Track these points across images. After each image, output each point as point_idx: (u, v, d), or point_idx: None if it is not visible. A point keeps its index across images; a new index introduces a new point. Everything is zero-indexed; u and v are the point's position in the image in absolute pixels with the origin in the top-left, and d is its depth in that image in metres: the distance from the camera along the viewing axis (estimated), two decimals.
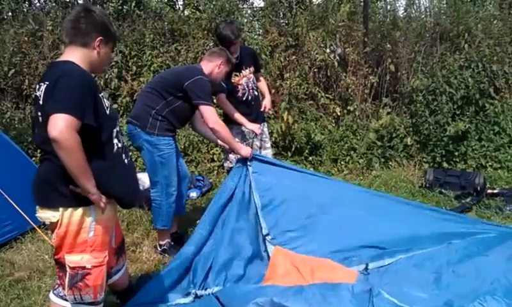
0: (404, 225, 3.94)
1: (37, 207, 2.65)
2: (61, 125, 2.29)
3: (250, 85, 4.87)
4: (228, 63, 4.37)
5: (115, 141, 2.66)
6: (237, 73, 4.79)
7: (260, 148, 5.07)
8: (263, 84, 5.21)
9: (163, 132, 4.14)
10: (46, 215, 2.60)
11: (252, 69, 4.91)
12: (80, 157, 2.38)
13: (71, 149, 2.33)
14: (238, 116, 4.70)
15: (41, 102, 2.48)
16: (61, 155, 2.34)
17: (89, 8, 2.66)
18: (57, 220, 2.56)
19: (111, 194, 2.64)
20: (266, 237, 3.96)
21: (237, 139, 4.75)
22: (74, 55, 2.58)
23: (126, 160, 2.77)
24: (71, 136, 2.31)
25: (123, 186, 2.71)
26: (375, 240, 3.86)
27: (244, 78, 4.84)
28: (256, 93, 4.97)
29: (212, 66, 4.31)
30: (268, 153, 5.11)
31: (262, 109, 5.04)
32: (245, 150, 4.25)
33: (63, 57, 2.62)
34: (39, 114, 2.52)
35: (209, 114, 4.09)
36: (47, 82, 2.47)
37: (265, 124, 5.18)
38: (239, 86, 4.82)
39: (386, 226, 3.94)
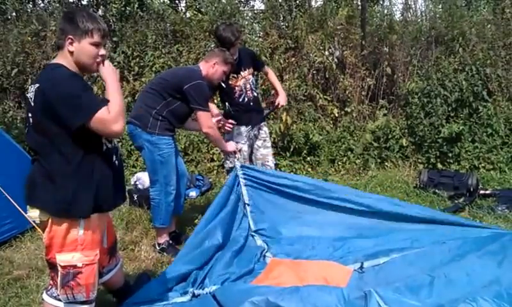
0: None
1: (28, 206, 2.69)
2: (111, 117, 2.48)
3: (248, 86, 4.92)
4: (225, 63, 4.41)
5: (104, 140, 2.70)
6: (235, 75, 4.84)
7: (261, 147, 5.15)
8: (273, 78, 5.28)
9: (163, 132, 4.24)
10: (36, 214, 2.63)
11: (251, 70, 4.96)
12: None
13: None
14: None
15: (32, 104, 2.53)
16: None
17: (67, 11, 2.72)
18: (47, 219, 2.59)
19: (96, 193, 2.67)
20: (266, 254, 4.11)
21: (240, 140, 4.92)
22: (59, 58, 2.65)
23: (117, 162, 2.81)
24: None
25: (109, 186, 2.74)
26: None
27: (242, 80, 4.88)
28: (255, 93, 5.04)
29: (208, 66, 4.40)
30: (269, 152, 5.19)
31: (276, 104, 5.14)
32: (230, 146, 4.55)
33: (54, 60, 2.69)
34: (29, 114, 2.58)
35: (204, 120, 4.25)
36: (38, 84, 2.53)
37: (266, 124, 5.25)
38: (236, 88, 4.87)
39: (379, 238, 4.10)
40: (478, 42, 7.15)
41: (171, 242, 4.54)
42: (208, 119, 4.29)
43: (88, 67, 2.70)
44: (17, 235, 4.73)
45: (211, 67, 4.39)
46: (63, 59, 2.62)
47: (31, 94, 2.55)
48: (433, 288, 2.99)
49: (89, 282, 2.70)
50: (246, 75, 4.91)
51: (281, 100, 5.15)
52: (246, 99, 4.94)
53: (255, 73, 5.20)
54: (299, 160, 6.93)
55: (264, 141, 5.16)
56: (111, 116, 2.47)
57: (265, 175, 4.53)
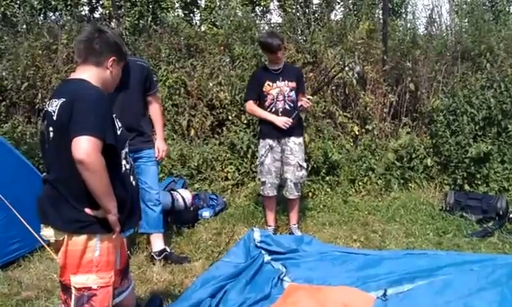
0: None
1: (42, 225, 2.68)
2: (86, 147, 2.33)
3: (281, 97, 4.99)
4: None
5: (123, 162, 2.70)
6: (270, 83, 4.98)
7: (283, 163, 5.11)
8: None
9: None
10: (51, 233, 2.62)
11: (291, 84, 5.01)
12: (105, 178, 2.43)
13: (97, 171, 2.38)
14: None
15: (55, 118, 2.50)
16: (87, 177, 2.38)
17: (101, 29, 2.74)
18: (63, 239, 2.57)
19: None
20: (284, 278, 3.97)
21: (262, 152, 5.09)
22: (87, 74, 2.63)
23: (134, 182, 2.81)
24: (97, 158, 2.37)
25: (126, 207, 2.71)
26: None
27: (276, 89, 4.98)
28: (287, 107, 5.01)
29: None
30: (288, 169, 5.10)
31: (299, 104, 5.06)
32: None
33: (76, 75, 2.66)
34: (50, 129, 2.54)
35: None
36: (63, 99, 2.49)
37: (296, 141, 5.08)
38: (268, 96, 4.99)
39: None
40: (506, 57, 7.11)
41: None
42: None
43: (112, 89, 2.83)
44: (26, 254, 4.66)
45: None
46: (88, 74, 2.63)
47: (53, 108, 2.52)
48: None
49: (103, 305, 2.66)
50: (283, 86, 5.00)
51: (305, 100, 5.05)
52: (274, 108, 5.01)
53: (296, 89, 5.11)
54: (318, 180, 6.79)
55: (287, 157, 5.09)
56: (89, 152, 2.34)
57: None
